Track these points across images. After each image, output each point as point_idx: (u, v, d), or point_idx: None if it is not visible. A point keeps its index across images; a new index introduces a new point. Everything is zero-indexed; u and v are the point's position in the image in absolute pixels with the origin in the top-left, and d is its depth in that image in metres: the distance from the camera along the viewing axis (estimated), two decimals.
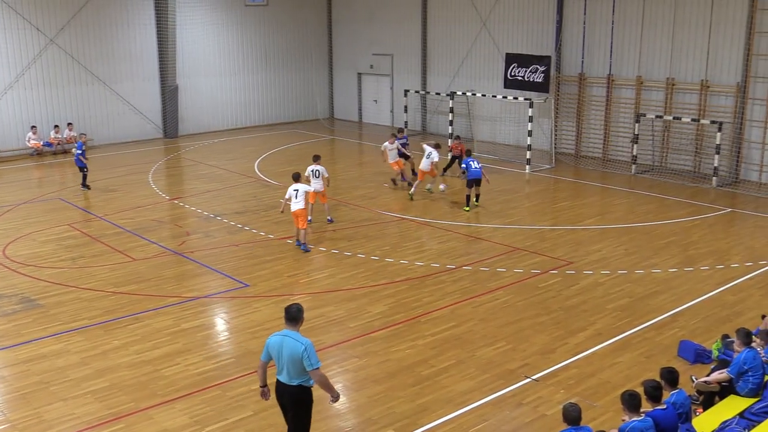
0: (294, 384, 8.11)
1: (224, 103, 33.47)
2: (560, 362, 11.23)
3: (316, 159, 18.37)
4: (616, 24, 24.89)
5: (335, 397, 8.30)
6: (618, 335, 12.15)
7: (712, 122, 22.22)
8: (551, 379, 10.72)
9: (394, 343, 11.94)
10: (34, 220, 19.21)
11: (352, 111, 36.22)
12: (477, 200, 20.11)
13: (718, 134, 21.82)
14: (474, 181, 19.66)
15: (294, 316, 8.21)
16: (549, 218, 19.25)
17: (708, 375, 9.84)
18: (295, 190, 16.38)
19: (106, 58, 29.58)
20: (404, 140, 22.92)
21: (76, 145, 23.06)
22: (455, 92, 27.67)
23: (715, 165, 22.13)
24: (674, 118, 23.31)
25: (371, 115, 35.44)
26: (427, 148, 20.96)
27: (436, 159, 20.75)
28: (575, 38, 26.13)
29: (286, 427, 8.52)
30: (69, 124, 28.55)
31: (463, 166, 20.03)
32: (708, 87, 22.91)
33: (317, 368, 7.97)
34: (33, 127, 27.79)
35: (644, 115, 23.77)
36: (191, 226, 18.61)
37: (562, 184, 23.04)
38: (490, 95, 27.13)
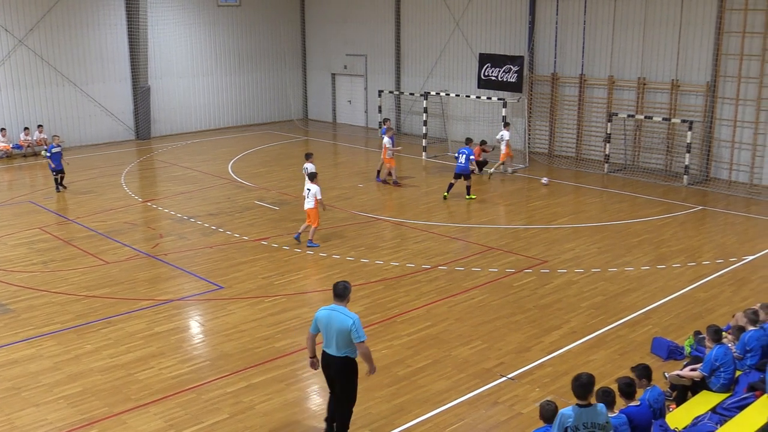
0: (341, 355, 8.63)
1: (197, 105, 33.25)
2: (535, 360, 11.30)
3: (309, 157, 18.12)
4: (588, 24, 25.10)
5: (373, 370, 8.81)
6: (592, 333, 12.24)
7: (683, 121, 22.49)
8: (526, 378, 10.78)
9: (370, 344, 11.84)
10: (4, 223, 18.95)
11: (326, 112, 36.16)
12: (468, 194, 20.95)
13: (689, 133, 22.08)
14: (459, 174, 20.69)
15: (341, 292, 8.76)
16: (523, 217, 19.36)
17: (683, 369, 9.95)
18: (308, 189, 16.56)
19: (77, 59, 29.27)
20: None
21: (46, 148, 22.76)
22: (429, 92, 27.73)
23: (686, 163, 22.39)
24: (646, 117, 23.56)
25: (345, 116, 35.40)
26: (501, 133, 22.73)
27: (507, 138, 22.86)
28: (548, 38, 26.31)
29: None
30: (39, 126, 28.19)
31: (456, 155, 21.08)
32: (678, 86, 23.18)
33: (363, 341, 8.51)
34: (2, 129, 27.41)
35: (616, 115, 23.99)
36: (165, 229, 18.47)
37: (536, 183, 23.18)
38: (464, 95, 27.23)
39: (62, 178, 22.24)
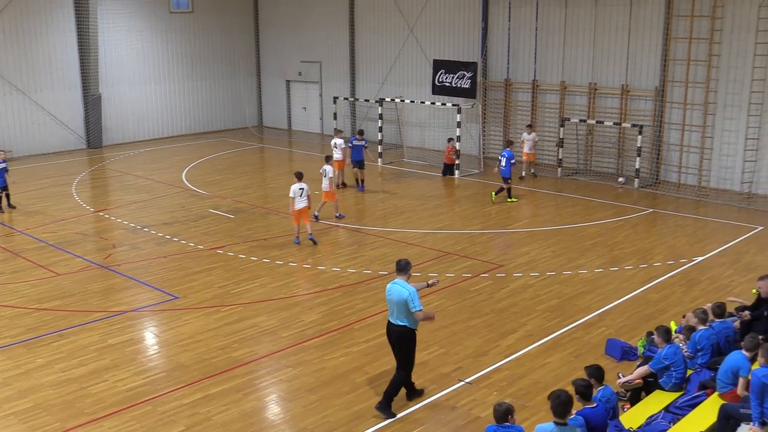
0: (400, 324, 9.74)
1: (150, 112, 32.82)
2: (492, 364, 11.38)
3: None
4: (540, 31, 25.44)
5: (432, 318, 10.27)
6: (548, 336, 12.38)
7: (633, 125, 22.91)
8: (484, 382, 10.85)
9: (328, 351, 11.89)
10: None
11: (281, 119, 36.00)
12: (509, 196, 21.42)
13: (639, 137, 22.50)
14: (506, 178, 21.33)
15: (402, 267, 9.85)
16: (479, 222, 19.50)
17: (633, 372, 10.12)
18: (300, 189, 16.91)
19: (25, 66, 28.67)
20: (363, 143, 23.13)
21: None
22: (384, 99, 27.80)
23: (637, 167, 22.81)
24: (597, 121, 23.95)
25: (300, 123, 35.29)
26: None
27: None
28: (500, 45, 26.59)
29: None
30: None
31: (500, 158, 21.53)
32: (628, 91, 23.61)
33: (419, 310, 9.57)
34: None
35: (568, 120, 24.34)
36: (117, 239, 18.18)
37: (491, 188, 23.34)
38: (419, 101, 27.36)
39: (8, 197, 20.89)
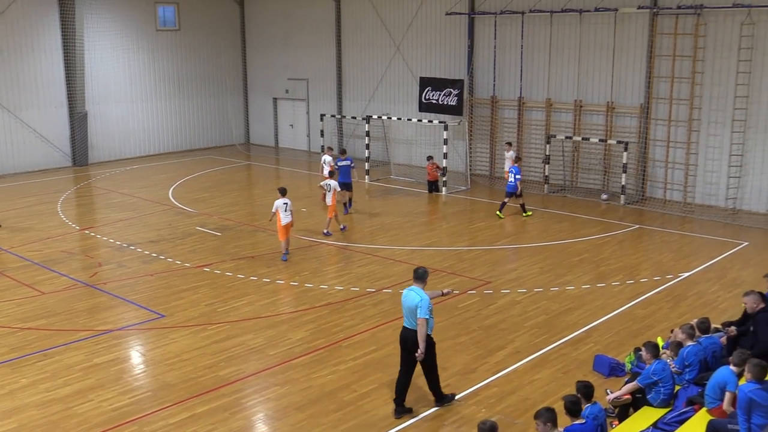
0: (414, 329, 10.03)
1: (136, 130, 32.76)
2: (481, 381, 11.36)
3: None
4: (526, 48, 25.62)
5: (421, 354, 9.96)
6: (536, 352, 12.38)
7: (619, 142, 23.07)
8: (473, 399, 10.82)
9: (315, 369, 11.83)
10: None
11: (268, 136, 36.01)
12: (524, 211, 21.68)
13: (625, 154, 22.65)
14: (511, 193, 21.43)
15: (420, 276, 10.25)
16: (466, 239, 19.52)
17: (621, 388, 10.12)
18: (285, 203, 17.19)
19: (11, 84, 28.58)
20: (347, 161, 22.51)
21: None
22: (371, 116, 27.87)
23: (623, 183, 22.94)
24: (583, 138, 24.10)
25: (288, 140, 35.31)
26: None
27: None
28: (487, 62, 26.75)
29: None
30: None
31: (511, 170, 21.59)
32: (614, 108, 23.79)
33: (423, 318, 9.84)
34: None
35: (554, 136, 24.48)
36: (103, 257, 18.07)
37: (478, 205, 23.44)
38: (406, 118, 27.45)
39: None
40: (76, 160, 30.58)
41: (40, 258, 17.89)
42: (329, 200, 19.44)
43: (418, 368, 10.38)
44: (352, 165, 22.52)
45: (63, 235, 20.01)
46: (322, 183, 19.90)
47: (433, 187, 24.96)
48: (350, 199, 22.37)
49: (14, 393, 11.10)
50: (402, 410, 10.36)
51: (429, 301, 10.01)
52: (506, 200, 21.47)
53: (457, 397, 10.86)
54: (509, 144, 24.80)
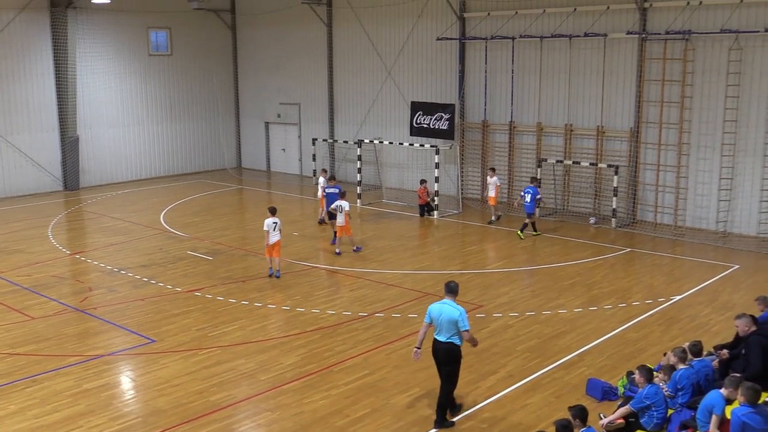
0: (447, 341, 10.53)
1: (128, 154, 32.74)
2: (473, 406, 11.30)
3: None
4: (516, 73, 25.81)
5: (475, 344, 10.93)
6: (528, 376, 12.34)
7: (609, 166, 23.18)
8: (465, 424, 10.76)
9: (307, 395, 11.76)
10: None
11: (260, 160, 36.06)
12: (534, 230, 22.00)
13: (615, 177, 22.76)
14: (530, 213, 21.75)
15: (452, 289, 10.74)
16: (458, 263, 19.52)
17: (614, 412, 10.09)
18: (274, 223, 17.43)
19: (2, 108, 28.59)
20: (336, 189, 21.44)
21: None
22: (363, 140, 27.95)
23: (614, 207, 23.03)
24: (574, 162, 24.21)
25: (279, 164, 35.35)
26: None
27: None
28: (478, 87, 26.92)
29: None
30: None
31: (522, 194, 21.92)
32: (604, 132, 23.94)
33: (467, 330, 10.45)
34: None
35: (545, 160, 24.58)
36: (94, 282, 17.97)
37: (470, 228, 23.47)
38: (397, 143, 27.54)
39: None
40: (67, 185, 30.51)
41: (29, 283, 17.78)
42: (341, 221, 19.80)
43: (408, 391, 10.31)
44: (340, 193, 20.89)
45: (53, 260, 19.91)
46: (333, 206, 20.19)
47: (425, 210, 24.97)
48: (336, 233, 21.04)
49: (2, 420, 10.98)
50: (453, 407, 11.04)
51: (466, 312, 10.56)
52: (527, 221, 21.80)
53: (452, 420, 10.79)
54: (492, 170, 24.65)
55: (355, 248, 20.39)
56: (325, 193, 22.00)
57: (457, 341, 10.52)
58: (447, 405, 10.77)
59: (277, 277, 17.86)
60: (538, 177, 23.49)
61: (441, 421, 10.66)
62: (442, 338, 10.53)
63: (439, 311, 10.55)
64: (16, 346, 13.85)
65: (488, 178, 24.35)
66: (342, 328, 14.63)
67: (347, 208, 19.92)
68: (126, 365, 13.17)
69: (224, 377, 12.39)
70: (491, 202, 24.02)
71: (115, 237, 22.43)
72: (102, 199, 28.80)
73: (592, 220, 23.49)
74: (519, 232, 21.79)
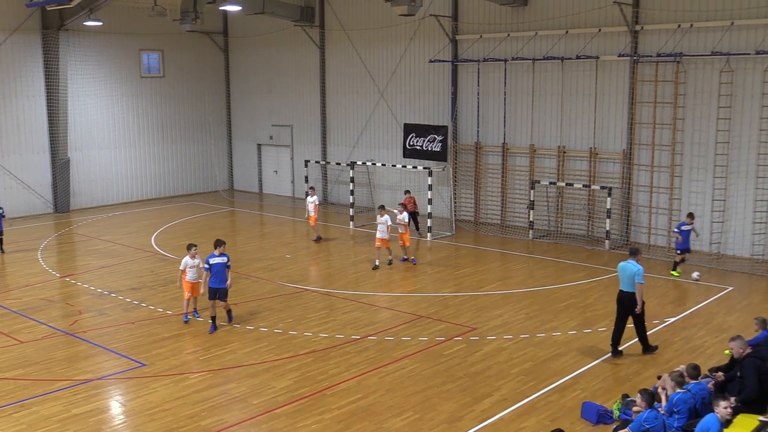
0: (629, 291, 13.64)
1: (119, 176, 32.63)
2: (467, 430, 11.16)
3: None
4: (509, 95, 25.88)
5: (640, 308, 13.68)
6: (523, 400, 12.21)
7: (602, 187, 23.19)
8: None
9: (299, 419, 11.60)
10: None
11: (253, 182, 35.99)
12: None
13: (608, 199, 22.77)
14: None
15: (634, 251, 14.10)
16: (451, 285, 19.42)
17: None
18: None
19: None
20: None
21: None
22: (355, 162, 27.93)
23: (607, 228, 23.00)
24: (567, 184, 24.22)
25: (272, 186, 35.28)
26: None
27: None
28: (470, 109, 26.98)
29: None
30: None
31: (675, 230, 20.26)
32: (597, 154, 23.98)
33: (641, 283, 13.57)
34: None
35: (538, 182, 24.59)
36: (84, 305, 17.79)
37: (463, 250, 23.39)
38: (390, 164, 27.53)
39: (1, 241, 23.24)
40: (57, 207, 30.34)
41: (18, 306, 17.58)
42: (383, 233, 20.70)
43: (402, 415, 10.15)
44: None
45: (43, 283, 19.72)
46: (399, 218, 21.51)
47: (412, 219, 24.44)
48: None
49: None
50: (616, 352, 13.84)
51: (642, 270, 13.56)
52: (681, 257, 19.94)
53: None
54: (402, 204, 22.80)
55: (411, 259, 21.52)
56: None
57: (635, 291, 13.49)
58: (645, 337, 14.02)
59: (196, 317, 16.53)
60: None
61: (646, 348, 14.03)
62: (625, 288, 13.60)
63: (622, 268, 13.69)
64: (4, 370, 13.64)
65: (378, 217, 21.44)
66: (335, 351, 14.48)
67: (389, 222, 20.83)
68: (116, 389, 12.99)
69: (215, 401, 12.22)
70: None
71: (106, 259, 22.26)
72: (92, 222, 28.63)
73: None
74: (675, 272, 19.92)
